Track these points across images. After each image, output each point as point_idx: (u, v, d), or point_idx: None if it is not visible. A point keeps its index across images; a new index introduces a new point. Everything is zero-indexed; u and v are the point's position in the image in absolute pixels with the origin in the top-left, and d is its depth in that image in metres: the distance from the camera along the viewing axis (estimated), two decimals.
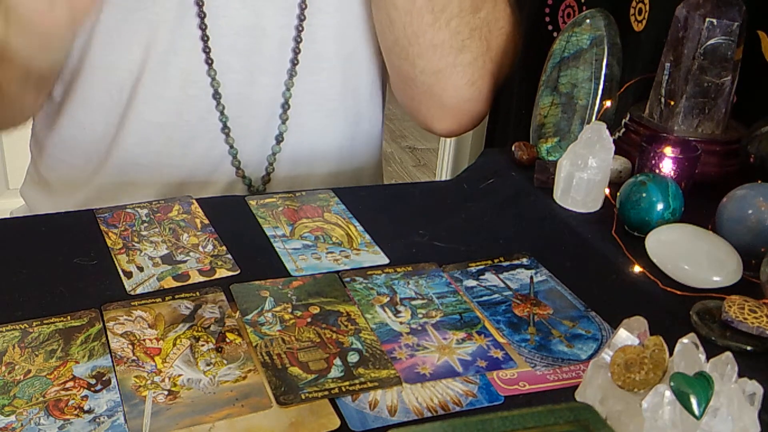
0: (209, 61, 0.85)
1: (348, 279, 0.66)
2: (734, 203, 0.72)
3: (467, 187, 0.85)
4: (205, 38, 0.84)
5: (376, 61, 0.95)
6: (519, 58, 1.46)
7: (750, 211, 0.70)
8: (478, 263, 0.70)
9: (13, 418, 0.50)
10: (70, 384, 0.53)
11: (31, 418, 0.50)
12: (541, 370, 0.57)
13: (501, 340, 0.60)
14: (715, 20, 0.83)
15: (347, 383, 0.54)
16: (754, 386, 0.49)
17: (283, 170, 0.94)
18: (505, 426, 0.49)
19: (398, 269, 0.68)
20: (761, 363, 0.59)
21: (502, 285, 0.68)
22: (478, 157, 0.93)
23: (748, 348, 0.60)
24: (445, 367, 0.57)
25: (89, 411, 0.51)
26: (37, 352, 0.55)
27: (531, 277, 0.69)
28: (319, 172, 0.94)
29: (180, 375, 0.54)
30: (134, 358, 0.56)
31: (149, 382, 0.53)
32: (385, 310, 0.63)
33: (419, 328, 0.61)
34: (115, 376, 0.54)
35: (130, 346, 0.57)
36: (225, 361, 0.56)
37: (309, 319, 0.61)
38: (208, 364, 0.55)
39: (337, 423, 0.51)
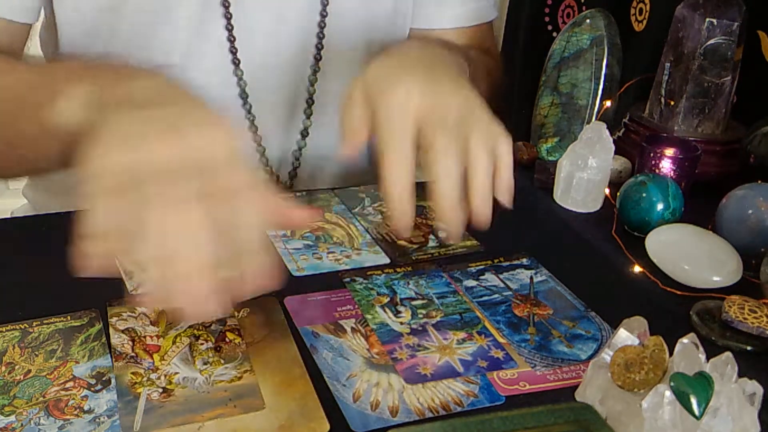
0: (236, 62, 0.85)
1: (348, 279, 0.66)
2: (734, 203, 0.72)
3: None
4: (231, 39, 0.84)
5: None
6: (519, 58, 1.45)
7: (750, 211, 0.71)
8: (478, 263, 0.70)
9: (13, 418, 0.50)
10: (70, 384, 0.53)
11: (31, 418, 0.50)
12: (541, 371, 0.57)
13: (501, 340, 0.60)
14: (715, 20, 0.83)
15: (443, 249, 0.71)
16: (754, 386, 0.49)
17: (309, 165, 0.94)
18: (505, 426, 0.49)
19: (398, 269, 0.68)
20: (761, 363, 0.59)
21: (502, 285, 0.68)
22: None
23: (748, 348, 0.60)
24: (446, 368, 0.57)
25: (89, 411, 0.51)
26: (37, 352, 0.55)
27: (531, 278, 0.69)
28: (343, 167, 0.95)
29: (176, 373, 0.54)
30: (133, 354, 0.56)
31: (145, 379, 0.53)
32: (385, 311, 0.63)
33: (420, 328, 0.61)
34: (114, 375, 0.54)
35: (130, 343, 0.57)
36: (222, 361, 0.56)
37: None
38: (205, 363, 0.55)
39: (327, 427, 0.50)
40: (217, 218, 0.48)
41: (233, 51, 0.85)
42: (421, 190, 0.80)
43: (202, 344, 0.57)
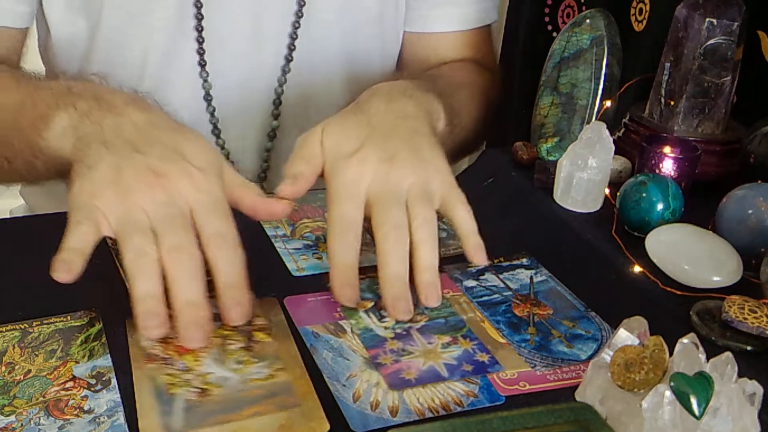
0: (202, 63, 0.85)
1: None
2: (734, 203, 0.72)
3: (467, 187, 0.85)
4: (200, 40, 0.84)
5: (376, 65, 0.95)
6: (519, 58, 1.45)
7: (750, 211, 0.70)
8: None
9: (13, 418, 0.50)
10: (70, 384, 0.53)
11: (31, 418, 0.50)
12: (541, 371, 0.57)
13: (501, 340, 0.60)
14: (715, 20, 0.83)
15: (443, 249, 0.67)
16: (754, 386, 0.49)
17: (279, 166, 0.94)
18: (505, 426, 0.49)
19: None
20: (761, 363, 0.59)
21: (502, 285, 0.68)
22: (478, 157, 0.93)
23: (748, 348, 0.60)
24: (431, 372, 0.56)
25: (89, 411, 0.51)
26: (37, 352, 0.55)
27: (531, 278, 0.69)
28: None
29: (210, 373, 0.55)
30: (165, 356, 0.56)
31: (180, 380, 0.54)
32: (369, 315, 0.62)
33: (404, 332, 0.61)
34: (116, 376, 0.54)
35: (161, 345, 0.57)
36: (254, 360, 0.56)
37: None
38: (237, 363, 0.56)
39: (327, 427, 0.51)
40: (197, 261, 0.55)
41: (200, 52, 0.85)
42: None
43: (231, 344, 0.58)
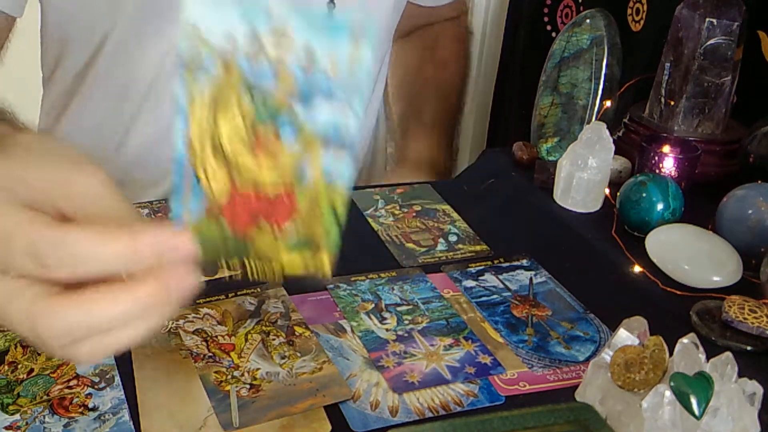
0: None
1: (332, 286, 0.66)
2: (734, 203, 0.72)
3: (467, 187, 0.86)
4: None
5: (381, 66, 0.96)
6: (519, 58, 1.45)
7: (750, 211, 0.71)
8: (477, 264, 0.70)
9: (17, 416, 0.50)
10: (73, 382, 0.53)
11: (35, 417, 0.50)
12: (540, 371, 0.57)
13: (499, 340, 0.60)
14: (715, 20, 0.83)
15: (451, 253, 0.71)
16: (754, 386, 0.49)
17: None
18: (505, 426, 0.49)
19: (382, 275, 0.68)
20: (761, 363, 0.59)
21: (501, 286, 0.68)
22: (478, 157, 0.94)
23: (748, 348, 0.60)
24: (434, 375, 0.56)
25: (94, 408, 0.51)
26: (39, 351, 0.56)
27: (531, 279, 0.69)
28: None
29: (258, 369, 0.55)
30: (210, 354, 0.56)
31: (230, 377, 0.54)
32: (370, 317, 0.62)
33: (406, 334, 0.60)
34: (119, 374, 0.54)
35: (204, 343, 0.57)
36: (298, 354, 0.57)
37: (414, 214, 0.77)
38: (282, 358, 0.56)
39: (328, 428, 0.51)
40: None
41: None
42: (436, 192, 0.81)
43: (274, 339, 0.58)
